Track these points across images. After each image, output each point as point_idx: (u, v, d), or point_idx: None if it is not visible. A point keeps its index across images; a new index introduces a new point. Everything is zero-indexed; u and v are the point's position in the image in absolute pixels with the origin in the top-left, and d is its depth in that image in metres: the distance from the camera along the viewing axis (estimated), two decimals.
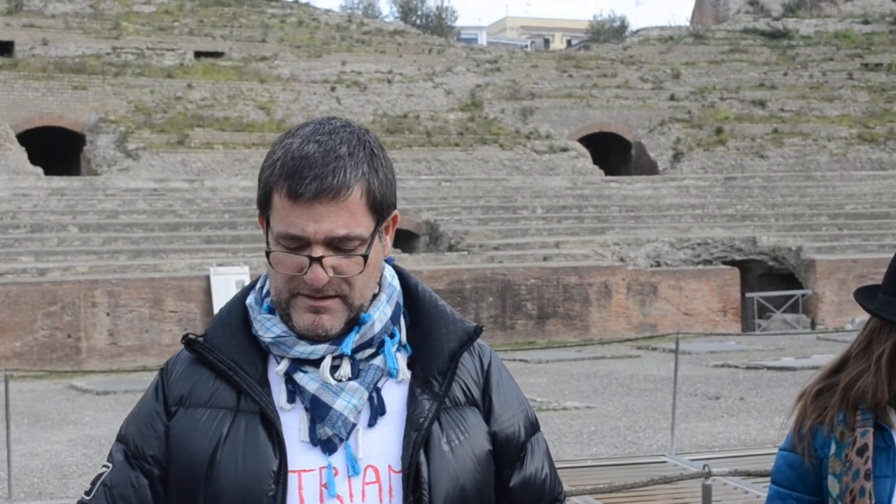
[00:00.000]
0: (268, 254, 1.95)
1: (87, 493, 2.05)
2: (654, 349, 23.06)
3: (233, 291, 23.96)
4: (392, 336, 2.04)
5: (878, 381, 2.60)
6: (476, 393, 2.07)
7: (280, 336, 1.97)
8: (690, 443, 12.48)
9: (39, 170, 29.40)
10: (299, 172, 1.89)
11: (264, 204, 1.96)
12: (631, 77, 41.09)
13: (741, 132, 37.49)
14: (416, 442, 1.96)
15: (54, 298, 21.71)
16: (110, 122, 31.97)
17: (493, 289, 25.21)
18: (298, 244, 1.91)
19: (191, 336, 2.04)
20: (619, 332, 25.60)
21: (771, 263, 29.85)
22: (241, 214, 27.86)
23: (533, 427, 2.15)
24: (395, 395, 2.01)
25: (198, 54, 37.44)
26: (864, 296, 2.74)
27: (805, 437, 2.65)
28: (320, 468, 1.94)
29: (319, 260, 1.90)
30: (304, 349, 1.96)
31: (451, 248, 28.10)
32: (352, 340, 1.97)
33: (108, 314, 22.08)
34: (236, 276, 23.21)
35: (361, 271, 1.94)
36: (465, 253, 27.30)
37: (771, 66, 42.47)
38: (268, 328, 1.99)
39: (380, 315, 2.01)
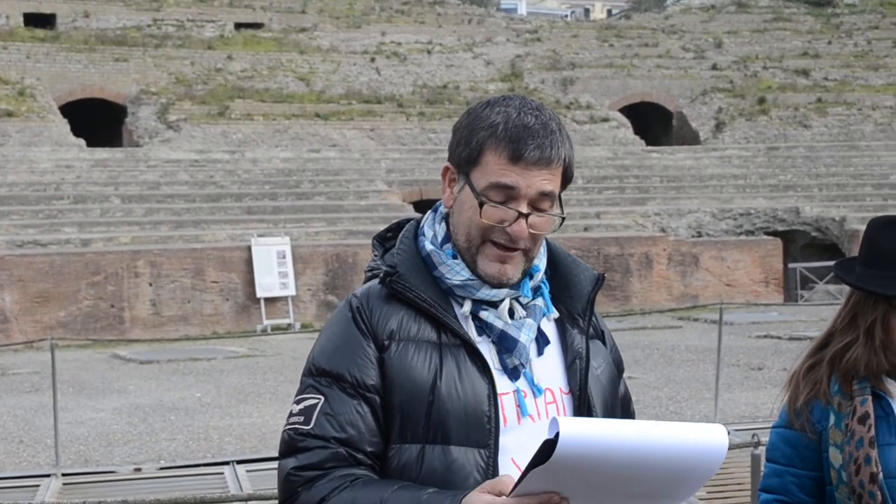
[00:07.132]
0: (481, 204, 2.19)
1: (305, 423, 2.19)
2: (696, 320, 22.92)
3: (273, 262, 24.09)
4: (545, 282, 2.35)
5: (871, 351, 2.61)
6: (598, 326, 2.43)
7: (468, 280, 2.25)
8: (733, 413, 12.41)
9: (82, 141, 29.59)
10: (524, 139, 2.19)
11: (471, 160, 2.23)
12: (672, 46, 40.72)
13: (784, 102, 37.07)
14: (583, 368, 2.29)
15: (97, 269, 21.88)
16: (151, 93, 32.10)
17: None
18: (506, 196, 2.20)
19: (392, 276, 2.26)
20: (660, 302, 25.48)
21: (814, 234, 29.59)
22: (282, 185, 27.89)
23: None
24: (549, 329, 2.32)
25: (238, 25, 37.48)
26: (844, 269, 2.74)
27: (802, 411, 2.67)
28: (513, 391, 2.22)
29: (527, 216, 2.20)
30: (488, 292, 2.25)
31: None
32: (529, 287, 2.29)
33: (150, 284, 22.24)
34: (277, 247, 23.26)
35: (552, 230, 2.25)
36: None
37: (815, 34, 41.92)
38: (457, 272, 2.26)
39: (541, 264, 2.33)
